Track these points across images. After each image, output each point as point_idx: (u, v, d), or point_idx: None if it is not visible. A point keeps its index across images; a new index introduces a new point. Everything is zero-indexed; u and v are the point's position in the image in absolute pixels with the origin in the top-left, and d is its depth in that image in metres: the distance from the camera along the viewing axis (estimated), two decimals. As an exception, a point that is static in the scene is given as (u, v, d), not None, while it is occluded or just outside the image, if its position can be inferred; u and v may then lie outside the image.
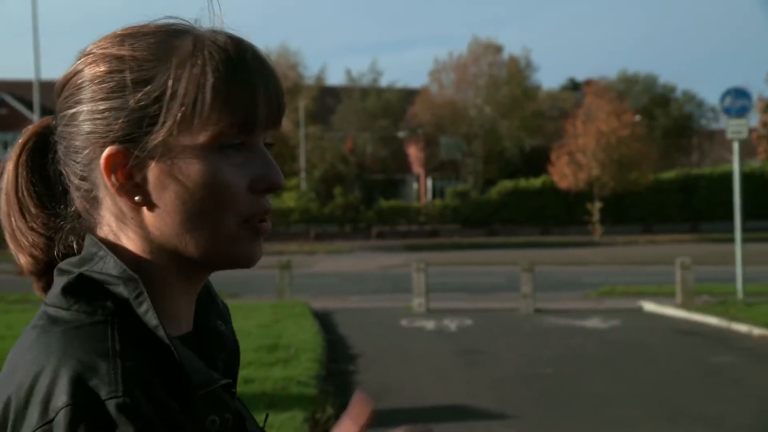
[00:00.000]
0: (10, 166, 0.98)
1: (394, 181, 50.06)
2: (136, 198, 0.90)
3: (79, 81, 0.92)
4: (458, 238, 37.66)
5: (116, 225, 0.92)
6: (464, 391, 7.90)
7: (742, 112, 13.82)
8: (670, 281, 15.08)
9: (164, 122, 0.88)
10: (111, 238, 0.92)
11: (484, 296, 15.91)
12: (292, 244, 34.06)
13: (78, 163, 0.92)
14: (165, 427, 0.80)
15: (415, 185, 50.81)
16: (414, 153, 49.41)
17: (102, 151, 0.89)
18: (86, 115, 0.90)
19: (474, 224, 40.61)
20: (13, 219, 0.97)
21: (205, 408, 0.88)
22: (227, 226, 0.91)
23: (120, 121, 0.89)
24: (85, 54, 0.93)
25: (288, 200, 38.89)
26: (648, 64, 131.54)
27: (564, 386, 8.10)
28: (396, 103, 47.49)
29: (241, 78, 0.90)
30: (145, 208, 0.90)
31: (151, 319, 0.85)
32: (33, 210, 0.96)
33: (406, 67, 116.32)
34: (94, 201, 0.93)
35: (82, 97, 0.91)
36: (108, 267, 0.89)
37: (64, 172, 0.95)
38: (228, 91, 0.89)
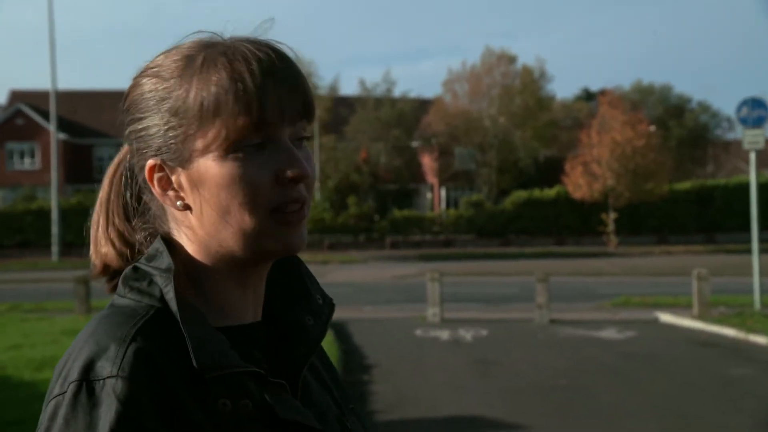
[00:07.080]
0: (106, 181, 1.10)
1: (407, 191, 50.08)
2: (178, 203, 1.00)
3: (126, 104, 1.04)
4: (472, 248, 37.59)
5: (175, 226, 1.03)
6: (479, 402, 7.87)
7: (758, 122, 13.73)
8: (686, 292, 14.99)
9: (182, 132, 0.97)
10: (175, 236, 1.03)
11: (499, 306, 15.87)
12: (306, 254, 33.95)
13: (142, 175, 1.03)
14: (161, 410, 0.88)
15: (428, 195, 50.80)
16: (428, 163, 49.41)
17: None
18: (133, 134, 1.02)
19: (488, 234, 40.54)
20: (98, 229, 1.09)
21: (218, 390, 0.92)
22: (256, 220, 0.96)
23: (153, 137, 1.00)
24: (136, 76, 1.04)
25: (302, 210, 38.90)
26: (662, 75, 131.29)
27: (579, 397, 8.06)
28: (410, 113, 47.53)
29: (247, 82, 0.95)
30: (189, 211, 1.00)
31: (173, 305, 0.94)
32: (116, 222, 1.08)
33: (420, 78, 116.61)
34: (161, 206, 1.04)
35: (129, 118, 1.03)
36: (161, 262, 0.98)
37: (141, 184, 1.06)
38: (234, 95, 0.94)
